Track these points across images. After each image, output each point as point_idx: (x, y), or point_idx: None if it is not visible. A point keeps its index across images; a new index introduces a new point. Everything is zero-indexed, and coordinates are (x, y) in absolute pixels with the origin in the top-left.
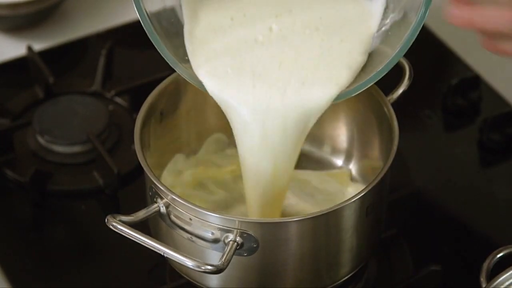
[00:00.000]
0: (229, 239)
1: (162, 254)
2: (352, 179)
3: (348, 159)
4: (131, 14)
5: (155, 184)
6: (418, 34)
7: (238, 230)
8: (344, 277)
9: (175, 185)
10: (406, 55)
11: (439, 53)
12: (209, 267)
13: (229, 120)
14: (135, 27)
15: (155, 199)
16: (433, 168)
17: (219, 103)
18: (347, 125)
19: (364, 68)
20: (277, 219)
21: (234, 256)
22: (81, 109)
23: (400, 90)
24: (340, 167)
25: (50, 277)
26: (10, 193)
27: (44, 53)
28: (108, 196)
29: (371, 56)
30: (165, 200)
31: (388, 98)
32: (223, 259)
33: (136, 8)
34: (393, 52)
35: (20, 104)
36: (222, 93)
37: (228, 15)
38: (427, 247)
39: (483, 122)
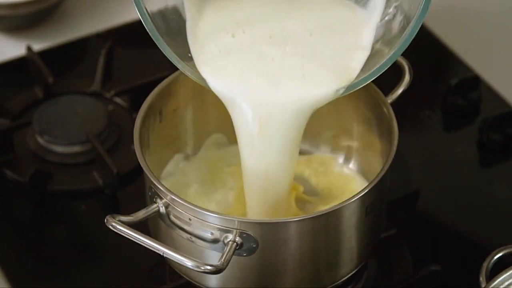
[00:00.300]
0: (229, 239)
1: (162, 254)
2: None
3: (347, 159)
4: (131, 14)
5: (155, 184)
6: (418, 34)
7: (238, 230)
8: (344, 277)
9: (176, 185)
10: (406, 55)
11: (439, 53)
12: (209, 267)
13: (232, 117)
14: (135, 27)
15: (154, 199)
16: (433, 168)
17: (222, 100)
18: (346, 125)
19: (366, 63)
20: (277, 219)
21: (233, 256)
22: (80, 109)
23: (400, 90)
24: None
25: (50, 277)
26: (10, 193)
27: (43, 53)
28: (108, 196)
29: (373, 51)
30: (164, 200)
31: (388, 98)
32: (222, 259)
33: (136, 6)
34: (395, 47)
35: (20, 104)
36: (225, 90)
37: (231, 14)
38: (427, 247)
39: (483, 122)
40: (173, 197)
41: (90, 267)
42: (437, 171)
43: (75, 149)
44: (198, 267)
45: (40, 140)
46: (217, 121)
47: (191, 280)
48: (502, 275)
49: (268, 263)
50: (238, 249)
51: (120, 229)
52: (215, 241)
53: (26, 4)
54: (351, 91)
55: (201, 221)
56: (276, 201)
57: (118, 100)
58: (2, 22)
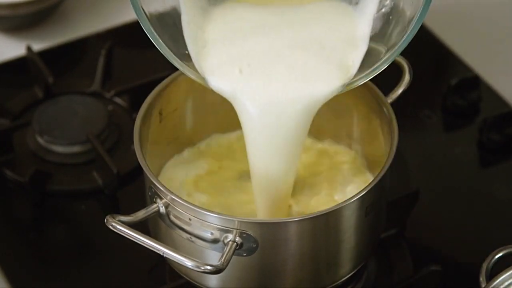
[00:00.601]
0: (229, 239)
1: (162, 254)
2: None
3: None
4: (131, 14)
5: (155, 184)
6: (418, 34)
7: (238, 230)
8: (344, 277)
9: (176, 185)
10: (406, 55)
11: (439, 53)
12: (209, 267)
13: (239, 117)
14: (135, 27)
15: (154, 199)
16: (433, 168)
17: (228, 99)
18: (346, 125)
19: (366, 61)
20: (277, 219)
21: (233, 256)
22: (80, 109)
23: (400, 90)
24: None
25: (49, 277)
26: (9, 193)
27: (43, 53)
28: (108, 196)
29: (372, 48)
30: (164, 200)
31: (388, 98)
32: (222, 259)
33: (133, 6)
34: (396, 45)
35: (20, 104)
36: (229, 90)
37: (232, 16)
38: (427, 247)
39: (483, 122)
40: (173, 197)
41: (90, 267)
42: (437, 171)
43: (75, 149)
44: (198, 267)
45: (40, 140)
46: (217, 121)
47: (191, 280)
48: (502, 275)
49: (268, 263)
50: (238, 249)
51: (120, 229)
52: (215, 241)
53: (26, 4)
54: (351, 88)
55: (201, 221)
56: (281, 200)
57: (118, 100)
58: (2, 22)
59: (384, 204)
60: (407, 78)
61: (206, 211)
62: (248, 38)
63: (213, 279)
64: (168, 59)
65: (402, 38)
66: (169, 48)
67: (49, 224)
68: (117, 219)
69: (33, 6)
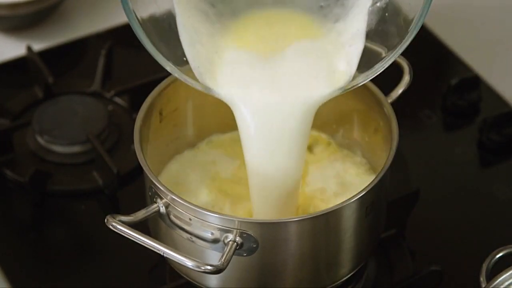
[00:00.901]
0: (229, 239)
1: (162, 254)
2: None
3: None
4: None
5: (155, 184)
6: (418, 34)
7: (238, 230)
8: (344, 277)
9: (176, 185)
10: (406, 55)
11: (439, 53)
12: (209, 267)
13: (237, 122)
14: None
15: (154, 199)
16: (433, 168)
17: (227, 103)
18: (346, 125)
19: (366, 62)
20: (277, 219)
21: (233, 256)
22: (80, 109)
23: (400, 90)
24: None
25: (50, 277)
26: (10, 193)
27: (43, 53)
28: (108, 196)
29: (370, 48)
30: (164, 200)
31: (388, 98)
32: (222, 259)
33: (126, 12)
34: (397, 45)
35: (20, 104)
36: (227, 95)
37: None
38: (427, 247)
39: (483, 122)
40: (173, 197)
41: (90, 267)
42: (437, 171)
43: (75, 149)
44: (198, 267)
45: (40, 140)
46: (217, 121)
47: (191, 280)
48: (502, 275)
49: (268, 263)
50: (238, 249)
51: (120, 229)
52: (215, 241)
53: (26, 4)
54: (350, 89)
55: (201, 221)
56: (283, 203)
57: (118, 100)
58: (2, 22)
59: (384, 204)
60: (407, 78)
61: (207, 211)
62: (246, 46)
63: (213, 279)
64: (160, 63)
65: (403, 39)
66: (167, 53)
67: (49, 224)
68: (117, 219)
69: (33, 6)
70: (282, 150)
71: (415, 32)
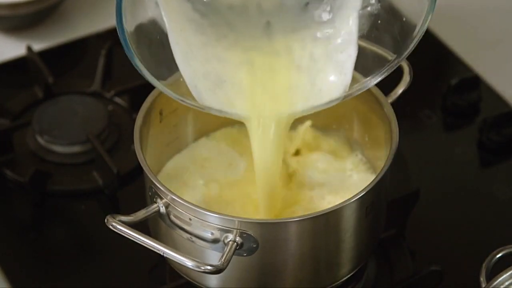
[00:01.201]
0: (229, 239)
1: (162, 254)
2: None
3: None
4: None
5: (155, 184)
6: None
7: (238, 230)
8: (344, 277)
9: (176, 185)
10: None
11: (439, 53)
12: (209, 267)
13: (250, 132)
14: None
15: (154, 199)
16: (433, 168)
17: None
18: (346, 125)
19: (369, 68)
20: (277, 219)
21: (233, 256)
22: (80, 109)
23: (400, 90)
24: None
25: (50, 277)
26: (10, 193)
27: (43, 53)
28: (108, 196)
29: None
30: (164, 200)
31: (388, 98)
32: (222, 259)
33: (119, 31)
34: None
35: (20, 104)
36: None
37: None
38: (427, 247)
39: (483, 122)
40: (173, 197)
41: (90, 267)
42: (437, 171)
43: (75, 149)
44: (198, 267)
45: (40, 140)
46: (217, 121)
47: (191, 280)
48: (502, 275)
49: (268, 263)
50: (238, 249)
51: (120, 229)
52: (215, 241)
53: (26, 4)
54: (351, 96)
55: (201, 221)
56: (275, 192)
57: (118, 100)
58: (2, 22)
59: (384, 204)
60: (407, 78)
61: (207, 211)
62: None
63: (213, 279)
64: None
65: (405, 49)
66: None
67: (49, 224)
68: (117, 219)
69: (33, 6)
70: (276, 147)
71: (416, 42)
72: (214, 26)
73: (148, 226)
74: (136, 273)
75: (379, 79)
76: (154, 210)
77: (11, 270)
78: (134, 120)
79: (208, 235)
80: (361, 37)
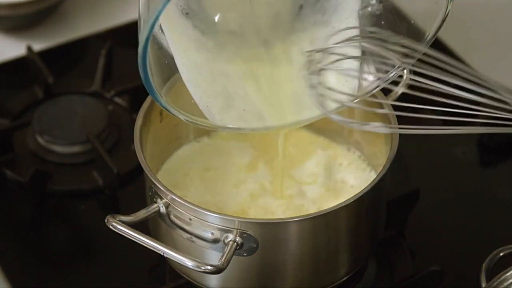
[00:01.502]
0: (229, 239)
1: (162, 254)
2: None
3: None
4: (131, 14)
5: (155, 184)
6: None
7: (238, 230)
8: (344, 277)
9: (176, 184)
10: None
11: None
12: (209, 267)
13: None
14: (134, 27)
15: (154, 199)
16: (433, 168)
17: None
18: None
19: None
20: (277, 219)
21: (234, 256)
22: (80, 109)
23: (400, 90)
24: None
25: (50, 277)
26: (10, 193)
27: (43, 53)
28: (108, 196)
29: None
30: (164, 200)
31: (388, 98)
32: (223, 259)
33: (147, 86)
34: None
35: (20, 104)
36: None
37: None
38: (427, 247)
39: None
40: (174, 197)
41: (90, 267)
42: (437, 171)
43: (75, 149)
44: (198, 267)
45: (40, 140)
46: None
47: (191, 280)
48: (503, 275)
49: (268, 263)
50: (238, 249)
51: (121, 229)
52: (215, 241)
53: (26, 4)
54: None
55: (201, 221)
56: None
57: (118, 100)
58: (2, 22)
59: (384, 204)
60: (407, 78)
61: (207, 211)
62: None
63: (213, 279)
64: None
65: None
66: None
67: (49, 224)
68: (117, 219)
69: (33, 6)
70: None
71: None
72: (215, 40)
73: (148, 226)
74: (136, 273)
75: (388, 80)
76: (154, 210)
77: (11, 270)
78: (134, 120)
79: (208, 235)
80: (365, 38)
